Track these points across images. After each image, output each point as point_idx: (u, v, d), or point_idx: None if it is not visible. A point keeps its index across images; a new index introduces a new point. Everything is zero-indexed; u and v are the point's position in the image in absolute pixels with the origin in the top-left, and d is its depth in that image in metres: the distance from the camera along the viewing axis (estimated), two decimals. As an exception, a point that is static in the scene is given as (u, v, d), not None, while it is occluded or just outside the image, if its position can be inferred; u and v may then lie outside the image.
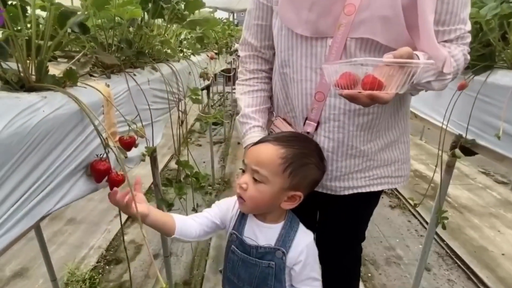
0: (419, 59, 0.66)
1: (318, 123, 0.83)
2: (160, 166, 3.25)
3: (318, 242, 1.11)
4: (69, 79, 0.59)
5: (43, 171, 0.49)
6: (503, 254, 2.03)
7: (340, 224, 1.02)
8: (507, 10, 0.84)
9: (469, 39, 0.77)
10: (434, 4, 0.68)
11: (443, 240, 2.14)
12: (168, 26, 1.08)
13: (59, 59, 0.79)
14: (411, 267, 1.88)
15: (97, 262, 1.92)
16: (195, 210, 1.21)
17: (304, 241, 0.78)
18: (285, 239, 0.77)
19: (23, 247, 1.99)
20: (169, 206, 1.05)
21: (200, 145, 3.98)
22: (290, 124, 0.90)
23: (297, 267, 0.77)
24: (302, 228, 0.81)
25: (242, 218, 0.82)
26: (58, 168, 0.51)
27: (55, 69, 0.64)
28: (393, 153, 0.91)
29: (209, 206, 0.88)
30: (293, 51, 0.80)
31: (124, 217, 2.30)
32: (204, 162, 3.34)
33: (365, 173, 0.88)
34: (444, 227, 1.10)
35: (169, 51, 1.07)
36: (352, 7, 0.70)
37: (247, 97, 0.95)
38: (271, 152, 0.72)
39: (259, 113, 0.93)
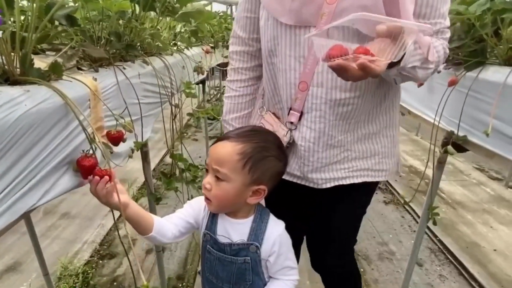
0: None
1: (302, 114, 0.83)
2: (156, 160, 3.24)
3: (308, 244, 1.09)
4: (54, 72, 0.58)
5: (25, 165, 0.48)
6: (495, 250, 2.05)
7: (326, 222, 1.01)
8: (500, 5, 0.84)
9: (448, 35, 0.79)
10: None
11: (435, 236, 2.16)
12: (160, 18, 1.07)
13: (47, 52, 0.78)
14: (404, 262, 1.89)
15: (90, 257, 1.92)
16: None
17: (275, 231, 0.78)
18: (257, 232, 0.78)
19: (17, 241, 1.99)
20: (157, 201, 1.05)
21: (196, 140, 3.98)
22: (278, 118, 0.90)
23: (272, 258, 0.78)
24: (272, 218, 0.81)
25: (213, 217, 0.81)
26: (41, 162, 0.51)
27: (42, 62, 0.63)
28: (373, 146, 0.90)
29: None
30: (279, 40, 0.81)
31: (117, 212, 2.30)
32: (200, 156, 3.34)
33: (344, 165, 0.88)
34: (435, 223, 1.11)
35: (160, 44, 1.06)
36: None
37: (228, 102, 0.99)
38: (228, 149, 0.72)
39: (239, 119, 0.99)
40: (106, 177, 0.60)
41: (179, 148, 1.31)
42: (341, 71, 0.61)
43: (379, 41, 0.61)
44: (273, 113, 0.92)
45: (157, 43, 1.04)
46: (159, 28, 1.17)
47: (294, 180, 0.92)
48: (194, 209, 0.83)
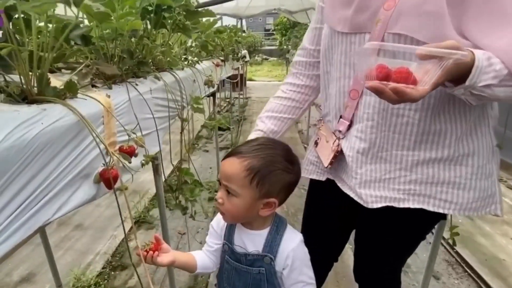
0: (474, 56, 0.56)
1: (351, 123, 0.82)
2: (168, 171, 3.27)
3: (355, 252, 1.04)
4: (69, 91, 0.60)
5: (41, 181, 0.50)
6: (515, 263, 1.98)
7: (372, 240, 0.95)
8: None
9: None
10: None
11: (453, 248, 2.09)
12: (172, 35, 1.10)
13: (63, 70, 0.81)
14: (419, 275, 1.84)
15: (102, 268, 1.93)
16: (192, 217, 1.22)
17: (289, 245, 0.78)
18: (272, 244, 0.78)
19: (31, 252, 2.03)
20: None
21: (207, 151, 4.00)
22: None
23: (285, 271, 0.78)
24: (288, 231, 0.81)
25: (231, 227, 0.83)
26: (56, 178, 0.52)
27: (58, 81, 0.65)
28: (443, 173, 0.78)
29: (214, 211, 0.89)
30: (334, 49, 0.82)
31: (128, 225, 2.32)
32: (210, 167, 3.36)
33: (399, 185, 0.79)
34: (454, 244, 1.08)
35: (171, 60, 1.09)
36: (392, 2, 0.68)
37: (271, 101, 1.00)
38: (235, 166, 0.73)
39: (273, 119, 0.97)
40: (150, 253, 0.74)
41: (192, 159, 1.32)
42: (377, 93, 0.58)
43: (427, 63, 0.55)
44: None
45: (168, 59, 1.07)
46: (171, 43, 1.20)
47: (345, 190, 0.88)
48: (216, 228, 0.87)
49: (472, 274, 1.89)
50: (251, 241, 0.80)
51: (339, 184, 0.91)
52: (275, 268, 0.78)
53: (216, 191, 3.08)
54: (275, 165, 0.74)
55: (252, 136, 0.94)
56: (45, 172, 0.50)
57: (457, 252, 2.06)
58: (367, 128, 0.78)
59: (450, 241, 1.08)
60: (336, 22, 0.79)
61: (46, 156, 0.50)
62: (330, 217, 1.02)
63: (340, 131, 0.84)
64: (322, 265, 0.84)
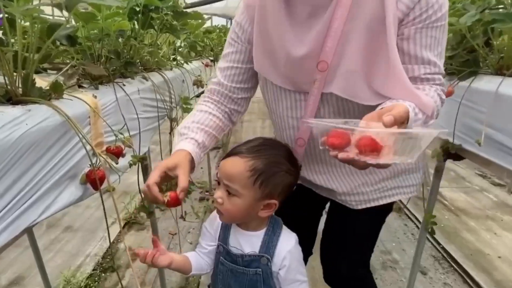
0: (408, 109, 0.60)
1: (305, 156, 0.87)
2: (158, 172, 3.25)
3: (322, 254, 1.06)
4: (55, 91, 0.60)
5: (27, 182, 0.50)
6: (499, 257, 2.03)
7: (342, 227, 1.00)
8: (490, 16, 0.86)
9: (441, 81, 0.71)
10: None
11: (439, 243, 2.14)
12: (160, 35, 1.10)
13: (48, 71, 0.81)
14: (407, 271, 1.87)
15: (93, 270, 1.91)
16: (182, 218, 1.21)
17: (286, 246, 0.78)
18: (269, 245, 0.78)
19: (20, 255, 1.99)
20: (149, 214, 1.06)
21: (197, 151, 3.99)
22: None
23: (282, 272, 0.78)
24: (284, 232, 0.81)
25: (226, 228, 0.82)
26: (42, 179, 0.52)
27: (44, 81, 0.65)
28: (396, 166, 0.87)
29: (205, 212, 0.88)
30: (278, 102, 0.83)
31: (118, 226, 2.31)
32: (201, 168, 3.35)
33: (373, 186, 0.88)
34: (433, 232, 1.11)
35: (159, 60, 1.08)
36: (324, 64, 0.71)
37: (198, 114, 0.83)
38: (239, 166, 0.72)
39: (203, 133, 0.81)
40: (152, 252, 0.74)
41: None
42: (348, 163, 0.56)
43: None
44: None
45: (156, 59, 1.07)
46: (159, 43, 1.20)
47: (324, 195, 0.94)
48: (209, 229, 0.86)
49: (457, 269, 1.93)
50: (248, 242, 0.80)
51: (316, 191, 0.95)
52: (272, 269, 0.78)
53: (207, 191, 3.05)
54: (279, 167, 0.74)
55: (181, 145, 0.77)
56: (31, 173, 0.50)
57: (443, 248, 2.11)
58: (320, 164, 0.87)
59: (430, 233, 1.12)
60: (274, 77, 0.79)
61: (32, 157, 0.50)
62: (299, 209, 1.02)
63: None
64: None
